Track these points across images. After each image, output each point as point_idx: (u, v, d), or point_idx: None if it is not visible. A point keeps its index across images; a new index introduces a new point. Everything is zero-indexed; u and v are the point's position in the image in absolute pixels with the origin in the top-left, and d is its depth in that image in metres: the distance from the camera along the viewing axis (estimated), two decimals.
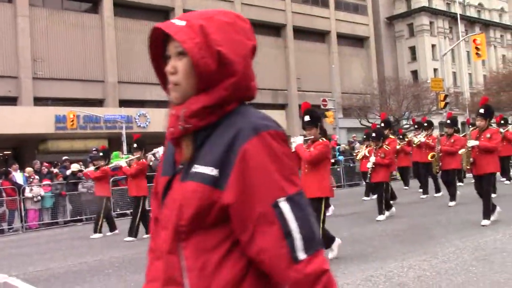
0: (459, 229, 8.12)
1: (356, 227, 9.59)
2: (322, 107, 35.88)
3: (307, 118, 6.75)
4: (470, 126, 15.35)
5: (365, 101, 43.77)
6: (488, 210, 8.40)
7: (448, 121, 11.66)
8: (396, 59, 60.46)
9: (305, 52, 49.26)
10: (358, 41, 54.98)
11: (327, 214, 11.47)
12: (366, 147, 12.78)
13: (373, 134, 10.67)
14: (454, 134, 11.52)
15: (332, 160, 21.68)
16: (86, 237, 11.10)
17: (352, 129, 42.37)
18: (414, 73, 57.55)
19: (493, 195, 11.93)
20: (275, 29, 48.43)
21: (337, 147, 23.01)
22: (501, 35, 69.16)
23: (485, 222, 8.28)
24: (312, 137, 6.72)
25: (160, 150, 8.40)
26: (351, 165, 21.91)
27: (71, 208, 15.62)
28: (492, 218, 8.45)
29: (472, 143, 8.43)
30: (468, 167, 8.69)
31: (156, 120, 35.18)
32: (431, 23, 60.24)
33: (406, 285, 5.12)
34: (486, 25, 65.77)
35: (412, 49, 60.15)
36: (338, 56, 51.18)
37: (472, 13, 65.69)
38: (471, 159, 8.47)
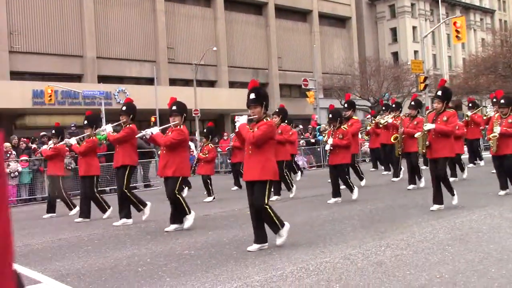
0: (436, 210, 8.25)
1: (336, 206, 9.70)
2: (303, 86, 35.92)
3: (252, 96, 6.47)
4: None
5: (346, 81, 43.95)
6: (451, 190, 8.42)
7: (412, 103, 11.44)
8: (377, 40, 60.61)
9: (287, 31, 49.07)
10: (340, 21, 54.91)
11: (290, 196, 11.51)
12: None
13: (330, 115, 10.35)
14: (418, 116, 11.28)
15: (312, 140, 21.84)
16: (65, 214, 11.03)
17: None
18: (395, 54, 57.82)
19: (456, 179, 12.32)
20: (257, 7, 48.09)
21: (317, 127, 23.10)
22: (481, 19, 69.62)
23: (455, 201, 8.41)
24: (256, 116, 6.41)
25: (153, 131, 8.24)
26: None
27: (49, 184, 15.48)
28: (454, 202, 8.43)
29: (428, 126, 8.29)
30: (423, 151, 8.52)
31: (136, 97, 34.84)
32: (412, 5, 60.35)
33: (384, 264, 5.22)
34: (467, 8, 66.10)
35: (393, 31, 60.32)
36: (320, 36, 51.09)
37: None
38: (427, 143, 8.35)
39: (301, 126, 25.23)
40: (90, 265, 6.12)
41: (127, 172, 8.94)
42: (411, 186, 11.51)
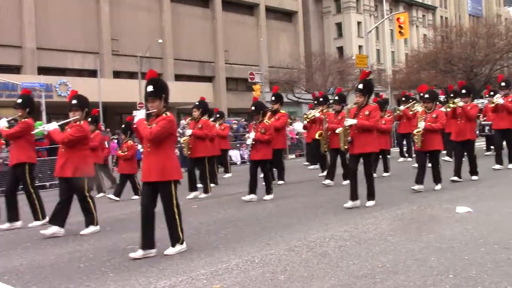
0: (378, 202, 8.43)
1: (281, 199, 9.77)
2: (249, 80, 36.00)
3: (150, 88, 5.90)
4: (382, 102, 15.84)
5: (292, 75, 44.28)
6: (372, 190, 8.18)
7: (336, 97, 10.93)
8: (323, 35, 61.36)
9: (234, 24, 48.96)
10: (286, 15, 55.25)
11: (201, 196, 10.73)
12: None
13: (253, 108, 9.89)
14: (343, 111, 10.47)
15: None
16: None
17: None
18: (340, 49, 58.68)
19: (385, 174, 12.51)
20: (204, 0, 47.72)
21: None
22: (423, 15, 71.61)
23: (370, 203, 8.12)
24: (155, 110, 5.89)
25: (50, 127, 7.55)
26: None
27: None
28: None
29: (349, 121, 8.00)
30: (346, 147, 8.26)
31: (78, 89, 33.87)
32: (357, 0, 61.39)
33: (328, 255, 5.31)
34: (410, 4, 67.82)
35: (339, 26, 61.22)
36: (266, 30, 51.26)
37: None
38: (349, 138, 8.08)
39: (244, 121, 25.22)
40: (29, 262, 5.95)
41: (26, 171, 8.31)
42: (345, 182, 11.19)
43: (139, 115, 5.92)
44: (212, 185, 12.18)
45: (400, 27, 32.29)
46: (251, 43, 48.93)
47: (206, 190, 10.90)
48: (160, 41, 40.30)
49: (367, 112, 8.00)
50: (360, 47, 57.64)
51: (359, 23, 59.74)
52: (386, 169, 12.77)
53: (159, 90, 5.92)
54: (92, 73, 37.10)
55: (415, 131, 9.31)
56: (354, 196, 8.13)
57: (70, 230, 7.71)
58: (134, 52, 38.73)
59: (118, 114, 38.92)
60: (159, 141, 5.81)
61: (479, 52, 44.70)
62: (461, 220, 6.61)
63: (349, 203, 8.07)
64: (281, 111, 12.02)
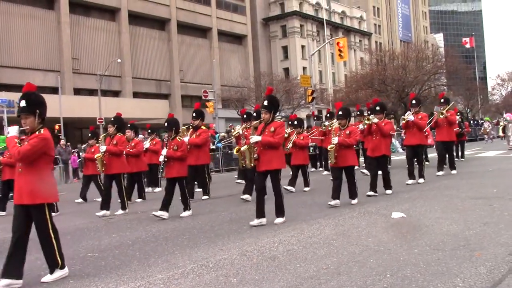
0: (322, 209, 8.52)
1: (233, 207, 9.73)
2: (203, 97, 35.89)
3: (23, 103, 5.05)
4: (315, 118, 15.85)
5: (242, 93, 44.45)
6: (282, 207, 7.55)
7: (254, 114, 10.03)
8: (271, 56, 62.02)
9: (188, 46, 48.89)
10: (237, 38, 55.61)
11: (117, 214, 9.72)
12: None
13: (165, 124, 9.16)
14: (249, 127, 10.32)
15: (213, 147, 21.78)
16: None
17: (230, 119, 42.87)
18: (286, 70, 59.43)
19: (306, 188, 11.98)
20: (160, 23, 47.49)
21: (216, 135, 23.19)
22: (360, 40, 73.48)
23: (279, 220, 7.47)
24: (28, 127, 5.09)
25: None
26: (229, 151, 22.23)
27: None
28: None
29: (254, 138, 7.33)
30: (252, 164, 7.46)
31: None
32: (301, 26, 62.44)
33: (277, 258, 5.30)
34: (348, 30, 69.50)
35: (285, 49, 62.02)
36: (219, 51, 51.41)
37: (336, 19, 69.07)
38: (255, 155, 7.40)
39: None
40: None
41: None
42: (289, 188, 11.52)
43: (12, 131, 5.11)
44: (139, 200, 12.17)
45: (340, 50, 32.97)
46: (205, 63, 48.94)
47: (123, 207, 9.97)
48: (119, 60, 39.74)
49: (272, 129, 7.39)
50: (304, 68, 58.56)
51: (303, 46, 60.74)
52: (306, 184, 12.12)
53: (32, 105, 5.11)
54: (53, 90, 36.12)
55: (328, 147, 8.76)
56: (259, 214, 7.36)
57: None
58: (94, 71, 38.05)
59: (78, 129, 38.03)
60: (30, 161, 5.00)
61: (410, 74, 46.15)
62: (396, 224, 6.74)
63: (255, 221, 7.32)
64: (202, 127, 11.36)
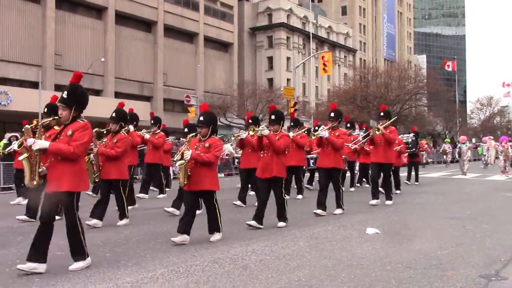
0: (297, 220, 8.50)
1: (204, 215, 9.62)
2: (185, 102, 35.81)
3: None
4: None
5: (225, 101, 44.44)
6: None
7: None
8: (256, 66, 62.16)
9: (174, 50, 48.73)
10: (223, 46, 55.62)
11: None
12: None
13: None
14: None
15: None
16: None
17: None
18: (270, 80, 59.61)
19: (299, 196, 11.93)
20: (146, 25, 47.27)
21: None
22: (345, 56, 74.13)
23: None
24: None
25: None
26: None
27: None
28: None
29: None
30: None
31: (19, 100, 32.51)
32: (288, 38, 62.78)
33: (249, 267, 5.25)
34: (334, 45, 70.08)
35: (270, 59, 62.24)
36: (204, 57, 51.33)
37: (322, 33, 69.59)
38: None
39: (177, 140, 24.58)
40: None
41: None
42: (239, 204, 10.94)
43: None
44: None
45: (325, 64, 33.25)
46: (189, 68, 48.81)
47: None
48: (103, 59, 39.43)
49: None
50: (288, 79, 58.80)
51: (288, 58, 61.00)
52: (299, 191, 12.30)
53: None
54: (34, 85, 35.63)
55: (177, 164, 6.67)
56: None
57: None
58: (76, 68, 37.51)
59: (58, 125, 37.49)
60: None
61: (392, 92, 46.75)
62: (370, 240, 6.75)
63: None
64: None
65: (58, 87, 39.02)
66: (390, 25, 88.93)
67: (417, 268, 5.20)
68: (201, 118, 6.87)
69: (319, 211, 9.11)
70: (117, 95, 42.68)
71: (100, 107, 38.41)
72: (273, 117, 8.17)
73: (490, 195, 13.42)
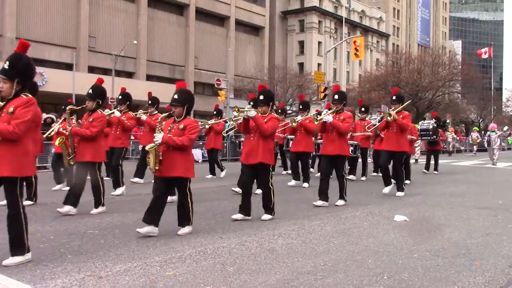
0: (325, 206, 8.48)
1: (236, 196, 9.70)
2: (216, 86, 35.90)
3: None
4: (279, 111, 13.72)
5: (255, 85, 44.34)
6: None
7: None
8: (286, 50, 61.79)
9: (205, 33, 48.83)
10: (254, 29, 55.44)
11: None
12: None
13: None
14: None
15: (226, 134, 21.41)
16: None
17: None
18: (301, 65, 59.21)
19: (305, 184, 11.25)
20: (179, 8, 47.43)
21: (226, 124, 23.13)
22: (377, 41, 72.99)
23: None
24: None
25: None
26: (237, 141, 22.29)
27: None
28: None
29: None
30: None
31: (54, 81, 33.18)
32: (319, 22, 62.12)
33: (275, 251, 5.29)
34: (366, 30, 69.04)
35: (301, 43, 61.78)
36: (235, 41, 51.31)
37: (355, 18, 68.61)
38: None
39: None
40: None
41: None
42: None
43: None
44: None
45: (356, 49, 32.79)
46: (220, 52, 48.85)
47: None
48: (135, 42, 39.82)
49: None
50: (319, 64, 58.30)
51: (319, 42, 60.43)
52: (306, 178, 11.57)
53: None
54: (68, 67, 36.30)
55: (147, 147, 6.01)
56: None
57: (35, 212, 7.46)
58: (109, 50, 38.14)
59: None
60: None
61: (424, 79, 45.86)
62: (398, 227, 6.71)
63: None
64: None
65: (91, 69, 39.70)
66: (425, 10, 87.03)
67: (445, 256, 5.15)
68: (175, 97, 6.09)
69: (320, 203, 8.42)
70: (149, 77, 43.15)
71: (132, 89, 39.00)
72: (261, 97, 7.37)
73: None
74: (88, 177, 7.65)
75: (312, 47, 60.57)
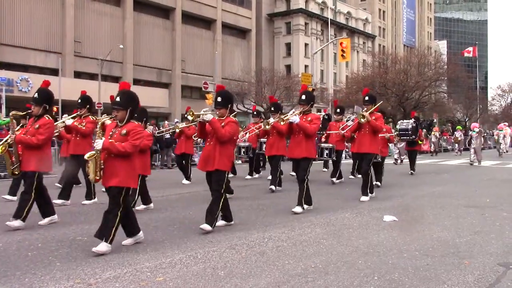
0: (315, 207, 8.50)
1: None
2: (203, 89, 35.85)
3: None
4: (254, 114, 14.40)
5: (243, 88, 44.37)
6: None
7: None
8: (273, 52, 61.88)
9: (191, 37, 48.74)
10: (241, 32, 55.44)
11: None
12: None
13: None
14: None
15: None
16: None
17: None
18: (288, 67, 59.31)
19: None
20: (165, 11, 47.29)
21: None
22: (364, 42, 73.36)
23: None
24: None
25: None
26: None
27: None
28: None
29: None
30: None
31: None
32: (306, 24, 62.30)
33: (266, 254, 5.29)
34: (352, 31, 69.36)
35: (288, 46, 61.88)
36: (222, 44, 51.25)
37: (341, 19, 68.90)
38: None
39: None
40: None
41: None
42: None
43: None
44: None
45: (343, 51, 32.96)
46: (207, 55, 48.79)
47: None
48: (121, 46, 39.63)
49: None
50: (306, 66, 58.45)
51: (306, 44, 60.58)
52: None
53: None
54: (54, 72, 35.99)
55: (86, 156, 5.41)
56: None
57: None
58: (95, 55, 37.87)
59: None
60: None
61: (411, 79, 46.15)
62: (387, 227, 6.74)
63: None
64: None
65: (77, 74, 39.41)
66: (410, 11, 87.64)
67: (434, 256, 5.18)
68: (117, 99, 5.57)
69: (298, 209, 8.04)
70: (136, 82, 42.92)
71: None
72: (219, 99, 6.92)
73: (510, 182, 13.25)
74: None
75: (299, 49, 60.72)
